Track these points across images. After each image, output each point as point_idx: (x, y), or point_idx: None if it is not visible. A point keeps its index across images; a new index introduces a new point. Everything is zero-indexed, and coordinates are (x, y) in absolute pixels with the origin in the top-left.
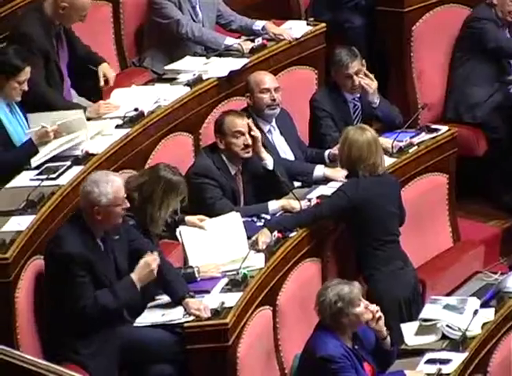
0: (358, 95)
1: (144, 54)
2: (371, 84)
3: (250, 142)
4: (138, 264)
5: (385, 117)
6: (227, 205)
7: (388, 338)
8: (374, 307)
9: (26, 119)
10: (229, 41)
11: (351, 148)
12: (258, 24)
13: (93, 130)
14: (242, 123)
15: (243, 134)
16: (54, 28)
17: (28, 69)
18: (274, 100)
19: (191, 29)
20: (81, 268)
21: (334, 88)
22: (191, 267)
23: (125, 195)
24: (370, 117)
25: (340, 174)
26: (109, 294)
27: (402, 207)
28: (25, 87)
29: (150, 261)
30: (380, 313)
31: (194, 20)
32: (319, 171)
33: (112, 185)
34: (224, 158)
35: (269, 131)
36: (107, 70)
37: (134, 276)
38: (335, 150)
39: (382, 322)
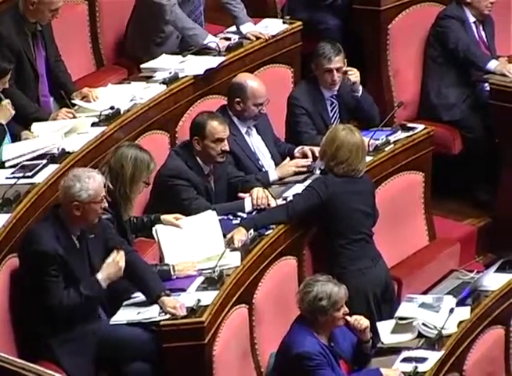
0: (336, 93)
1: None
2: (355, 72)
3: (227, 148)
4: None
5: (368, 109)
6: (202, 204)
7: (370, 342)
8: (359, 318)
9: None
10: (210, 39)
11: (340, 148)
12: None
13: (68, 128)
14: (224, 130)
15: (223, 141)
16: (29, 27)
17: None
18: (261, 113)
19: (175, 17)
20: (53, 266)
21: (312, 85)
22: (167, 264)
23: (104, 194)
24: (348, 115)
25: (289, 169)
26: (75, 294)
27: (374, 207)
28: (6, 85)
29: (118, 258)
30: (365, 324)
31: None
32: (273, 175)
33: (93, 181)
34: (197, 158)
35: (247, 132)
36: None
37: (100, 274)
38: (311, 148)
39: (367, 330)
